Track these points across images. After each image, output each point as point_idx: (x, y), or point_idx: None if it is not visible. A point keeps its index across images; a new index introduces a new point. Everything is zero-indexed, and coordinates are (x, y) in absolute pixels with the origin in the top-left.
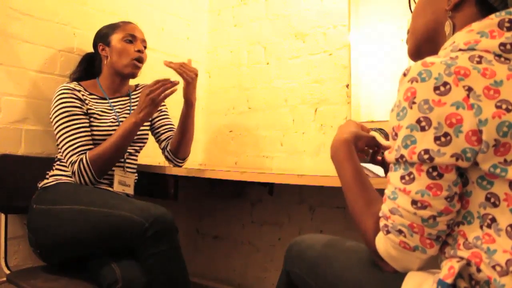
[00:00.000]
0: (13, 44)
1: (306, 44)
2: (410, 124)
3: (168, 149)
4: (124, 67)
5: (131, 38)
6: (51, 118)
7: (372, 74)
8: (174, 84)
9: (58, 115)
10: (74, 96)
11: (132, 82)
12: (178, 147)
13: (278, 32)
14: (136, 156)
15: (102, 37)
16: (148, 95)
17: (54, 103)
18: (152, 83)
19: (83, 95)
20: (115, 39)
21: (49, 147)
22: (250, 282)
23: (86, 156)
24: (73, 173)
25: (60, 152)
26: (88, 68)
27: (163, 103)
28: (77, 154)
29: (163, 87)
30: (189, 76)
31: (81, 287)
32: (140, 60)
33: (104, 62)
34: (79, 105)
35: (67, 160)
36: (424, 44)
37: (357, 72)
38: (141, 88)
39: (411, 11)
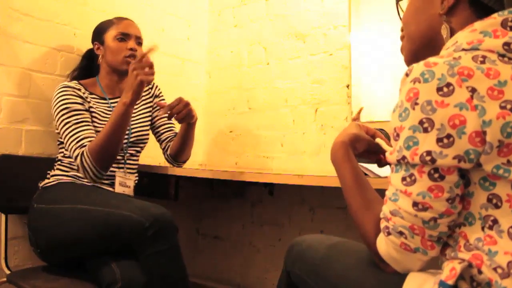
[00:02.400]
0: (14, 44)
1: (306, 45)
2: (413, 125)
3: (168, 153)
4: (118, 64)
5: (124, 36)
6: (53, 115)
7: (372, 74)
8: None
9: (60, 111)
10: (75, 94)
11: None
12: (178, 154)
13: (278, 32)
14: (137, 157)
15: (97, 35)
16: (137, 77)
17: (55, 100)
18: (138, 59)
19: (84, 93)
20: (109, 37)
21: (49, 148)
22: (250, 283)
23: (86, 149)
24: (78, 167)
25: (63, 149)
26: (89, 64)
27: (163, 99)
28: (81, 147)
29: (150, 68)
30: (191, 115)
31: (81, 287)
32: (134, 57)
33: (100, 61)
34: (80, 102)
35: (72, 154)
36: (421, 51)
37: (357, 72)
38: None
39: (400, 18)
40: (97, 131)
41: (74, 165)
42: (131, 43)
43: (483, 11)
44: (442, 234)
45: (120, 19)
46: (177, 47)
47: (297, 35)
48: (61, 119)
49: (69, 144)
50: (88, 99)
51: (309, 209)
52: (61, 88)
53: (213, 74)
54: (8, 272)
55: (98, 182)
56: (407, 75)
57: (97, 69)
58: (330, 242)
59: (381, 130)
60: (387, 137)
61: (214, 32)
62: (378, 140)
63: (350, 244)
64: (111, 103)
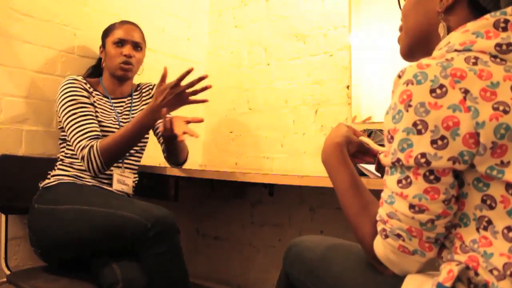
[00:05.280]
0: (14, 44)
1: (306, 45)
2: (407, 127)
3: (164, 155)
4: (114, 70)
5: (120, 42)
6: (58, 106)
7: (372, 75)
8: (203, 79)
9: (65, 103)
10: (81, 87)
11: (134, 81)
12: (171, 159)
13: (278, 33)
14: (137, 156)
15: (102, 38)
16: (174, 91)
17: (61, 92)
18: (180, 78)
19: (89, 88)
20: (108, 42)
21: (49, 148)
22: (250, 283)
23: (97, 144)
24: (82, 158)
25: (64, 148)
26: (99, 64)
27: None
28: (87, 139)
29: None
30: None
31: (81, 287)
32: (127, 63)
33: (103, 64)
34: (86, 95)
35: (75, 146)
36: (416, 45)
37: (357, 73)
38: (141, 87)
39: (400, 8)
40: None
41: (75, 165)
42: (126, 49)
43: (480, 13)
44: (440, 235)
45: (122, 24)
46: (177, 48)
47: (297, 35)
48: (67, 110)
49: (74, 135)
50: (93, 95)
51: (309, 209)
52: (68, 80)
53: (213, 75)
54: (8, 272)
55: (96, 179)
56: (399, 76)
57: (101, 70)
58: (329, 244)
59: (381, 131)
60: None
61: (214, 32)
62: (364, 139)
63: (348, 245)
64: (113, 102)
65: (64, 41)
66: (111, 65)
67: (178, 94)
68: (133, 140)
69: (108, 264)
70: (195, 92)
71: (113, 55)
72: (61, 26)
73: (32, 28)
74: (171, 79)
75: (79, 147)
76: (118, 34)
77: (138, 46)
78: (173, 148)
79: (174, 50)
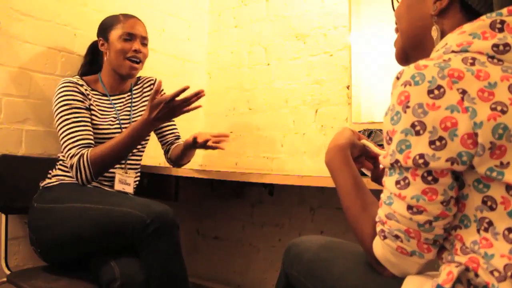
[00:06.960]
0: (14, 44)
1: (306, 45)
2: (405, 129)
3: (168, 156)
4: (120, 67)
5: (129, 37)
6: (53, 110)
7: (372, 75)
8: (199, 95)
9: (59, 107)
10: (76, 90)
11: None
12: (179, 161)
13: (278, 33)
14: (138, 156)
15: (103, 31)
16: (170, 105)
17: (56, 95)
18: (175, 94)
19: (85, 89)
20: (114, 36)
21: (49, 148)
22: (250, 283)
23: (88, 154)
24: (71, 166)
25: (61, 146)
26: (94, 59)
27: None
28: (77, 147)
29: (187, 102)
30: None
31: (81, 287)
32: (137, 60)
33: (104, 58)
34: (81, 99)
35: (66, 153)
36: (410, 48)
37: (357, 73)
38: (142, 81)
39: (394, 9)
40: (94, 128)
41: None
42: (136, 44)
43: (473, 15)
44: (438, 236)
45: (127, 17)
46: (178, 48)
47: (298, 35)
48: (60, 115)
49: (65, 142)
50: (90, 96)
51: (309, 209)
52: (63, 83)
53: (213, 75)
54: (8, 272)
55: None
56: (398, 78)
57: (100, 65)
58: (328, 244)
59: (382, 131)
60: None
61: (215, 32)
62: (366, 142)
63: (348, 246)
64: (112, 99)
65: (64, 41)
66: (117, 61)
67: (173, 107)
68: (125, 151)
69: (107, 262)
70: (189, 103)
71: (121, 50)
72: (61, 26)
73: (32, 28)
74: (170, 78)
75: (68, 155)
76: (126, 28)
77: (145, 41)
78: (189, 153)
79: (174, 50)
